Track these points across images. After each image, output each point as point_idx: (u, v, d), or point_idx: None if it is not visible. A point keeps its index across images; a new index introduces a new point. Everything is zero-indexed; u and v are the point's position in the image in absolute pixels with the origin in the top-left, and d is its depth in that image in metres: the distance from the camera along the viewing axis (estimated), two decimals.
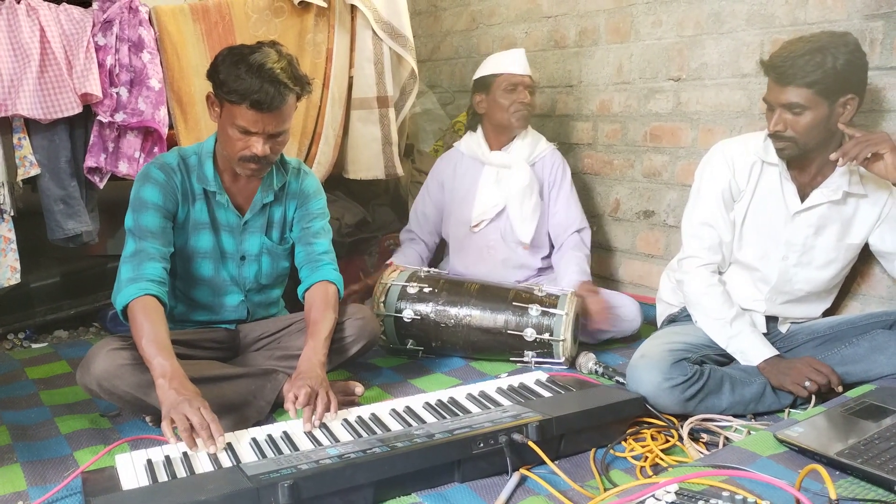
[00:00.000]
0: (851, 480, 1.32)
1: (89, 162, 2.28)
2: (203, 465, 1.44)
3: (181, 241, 1.89)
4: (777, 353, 1.86)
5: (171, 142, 2.39)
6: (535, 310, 2.17)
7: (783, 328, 2.03)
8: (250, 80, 1.68)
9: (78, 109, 2.19)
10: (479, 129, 2.65)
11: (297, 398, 1.61)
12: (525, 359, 2.19)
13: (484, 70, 2.61)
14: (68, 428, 1.78)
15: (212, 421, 1.49)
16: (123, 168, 2.33)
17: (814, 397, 1.76)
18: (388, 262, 2.58)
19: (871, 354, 1.84)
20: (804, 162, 1.88)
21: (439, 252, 2.83)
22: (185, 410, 1.49)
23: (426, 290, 2.27)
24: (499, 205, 2.58)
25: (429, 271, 2.39)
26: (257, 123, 1.72)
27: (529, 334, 2.16)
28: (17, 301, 2.56)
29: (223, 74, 1.72)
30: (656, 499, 1.20)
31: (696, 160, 2.19)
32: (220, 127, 1.80)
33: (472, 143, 2.65)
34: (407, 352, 2.29)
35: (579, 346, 2.26)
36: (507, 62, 2.57)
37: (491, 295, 2.25)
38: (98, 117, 2.25)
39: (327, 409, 1.63)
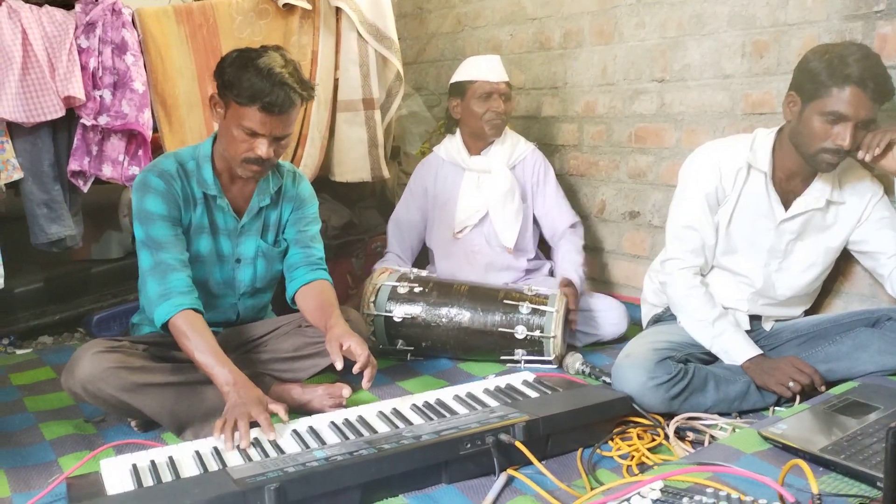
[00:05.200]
0: (835, 476, 1.33)
1: (73, 165, 2.26)
2: (189, 469, 1.44)
3: None
4: (760, 352, 1.87)
5: (156, 145, 2.38)
6: (525, 308, 2.19)
7: (767, 326, 2.05)
8: (260, 83, 1.69)
9: (61, 112, 2.18)
10: (458, 133, 2.63)
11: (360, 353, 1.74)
12: (515, 357, 2.20)
13: (460, 75, 2.59)
14: (53, 434, 1.77)
15: (265, 424, 1.57)
16: (107, 171, 2.32)
17: (798, 397, 1.77)
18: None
19: (853, 352, 1.85)
20: (796, 170, 1.88)
21: (424, 259, 2.82)
22: (237, 414, 1.56)
23: (416, 290, 2.27)
24: (481, 210, 2.57)
25: (418, 272, 2.39)
26: (265, 126, 1.74)
27: (520, 332, 2.17)
28: (1, 307, 2.54)
29: (231, 76, 1.72)
30: (641, 496, 1.21)
31: (679, 161, 2.20)
32: (224, 128, 1.80)
33: (452, 147, 2.63)
34: (396, 352, 2.29)
35: (567, 347, 2.27)
36: (483, 69, 2.54)
37: (481, 295, 2.25)
38: (81, 120, 2.24)
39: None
